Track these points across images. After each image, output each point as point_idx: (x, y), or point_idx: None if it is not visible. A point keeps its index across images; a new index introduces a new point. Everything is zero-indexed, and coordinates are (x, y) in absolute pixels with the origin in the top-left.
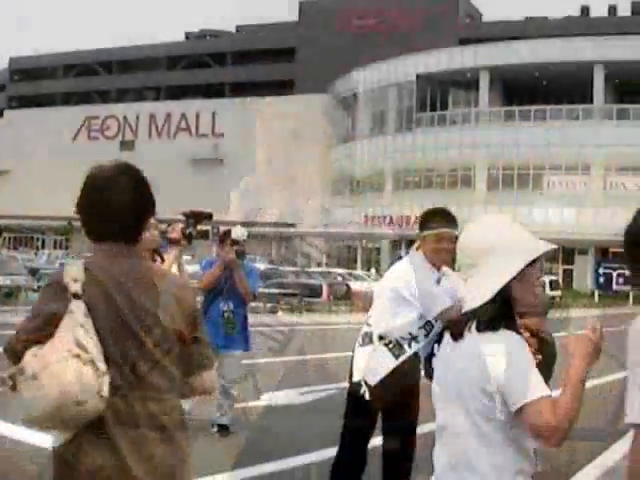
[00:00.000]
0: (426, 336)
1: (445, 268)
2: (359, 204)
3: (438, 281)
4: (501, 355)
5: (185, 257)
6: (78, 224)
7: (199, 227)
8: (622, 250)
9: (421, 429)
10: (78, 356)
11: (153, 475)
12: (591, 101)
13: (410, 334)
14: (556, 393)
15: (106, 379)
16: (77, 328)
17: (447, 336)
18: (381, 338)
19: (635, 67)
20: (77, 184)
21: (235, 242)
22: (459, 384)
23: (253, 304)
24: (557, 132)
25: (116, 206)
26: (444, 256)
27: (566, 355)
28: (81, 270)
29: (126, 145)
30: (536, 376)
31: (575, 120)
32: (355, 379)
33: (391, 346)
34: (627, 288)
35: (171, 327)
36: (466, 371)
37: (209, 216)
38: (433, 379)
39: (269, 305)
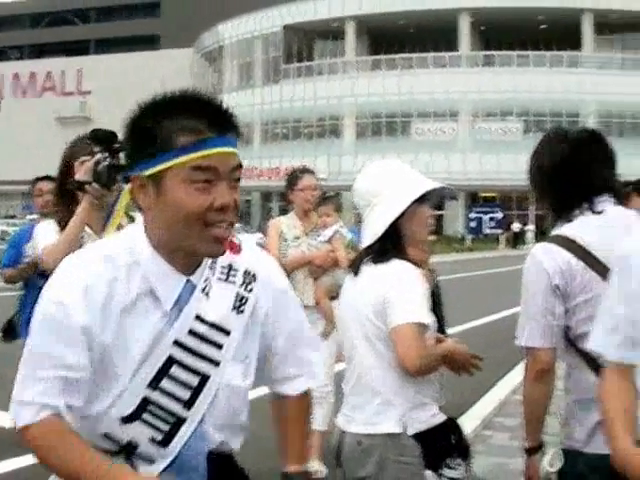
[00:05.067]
0: None
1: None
2: None
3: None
4: (391, 277)
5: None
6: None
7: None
8: (491, 195)
9: None
10: None
11: None
12: (457, 48)
13: None
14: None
15: None
16: None
17: (350, 273)
18: None
19: (500, 14)
20: None
21: None
22: (358, 312)
23: None
24: (424, 79)
25: None
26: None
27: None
28: None
29: None
30: (420, 301)
31: (442, 67)
32: None
33: None
34: (498, 231)
35: None
36: (363, 298)
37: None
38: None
39: None
